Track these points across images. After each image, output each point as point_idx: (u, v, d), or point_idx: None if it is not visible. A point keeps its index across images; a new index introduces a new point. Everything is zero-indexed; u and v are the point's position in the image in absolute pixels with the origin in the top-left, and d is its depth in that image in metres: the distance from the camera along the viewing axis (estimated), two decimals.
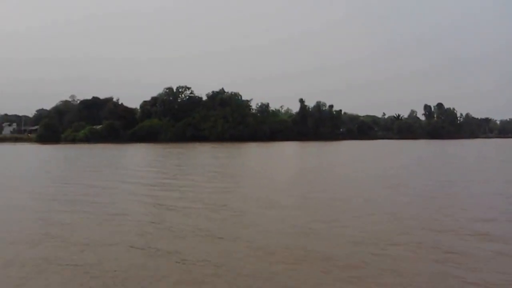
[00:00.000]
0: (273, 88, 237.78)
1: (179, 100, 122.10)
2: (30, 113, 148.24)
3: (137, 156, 48.52)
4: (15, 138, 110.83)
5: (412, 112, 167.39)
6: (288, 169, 29.66)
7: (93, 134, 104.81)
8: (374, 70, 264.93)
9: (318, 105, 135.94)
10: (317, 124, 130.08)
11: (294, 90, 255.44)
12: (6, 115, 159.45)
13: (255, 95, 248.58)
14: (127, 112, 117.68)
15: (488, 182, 20.10)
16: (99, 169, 29.06)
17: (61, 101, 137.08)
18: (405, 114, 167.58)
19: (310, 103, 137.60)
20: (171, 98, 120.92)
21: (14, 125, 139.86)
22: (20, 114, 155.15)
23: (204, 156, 46.19)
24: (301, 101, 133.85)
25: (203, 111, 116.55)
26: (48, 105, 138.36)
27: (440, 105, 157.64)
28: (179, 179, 22.13)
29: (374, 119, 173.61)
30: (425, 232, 9.85)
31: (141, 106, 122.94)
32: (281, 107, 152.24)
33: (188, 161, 39.06)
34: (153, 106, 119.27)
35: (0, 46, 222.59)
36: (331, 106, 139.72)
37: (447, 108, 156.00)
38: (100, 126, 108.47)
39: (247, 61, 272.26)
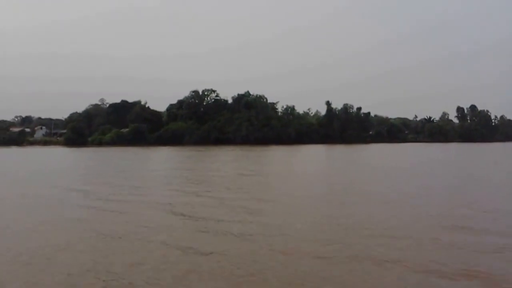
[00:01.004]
0: (288, 84, 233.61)
1: (204, 103, 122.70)
2: (64, 116, 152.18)
3: (152, 160, 48.66)
4: (44, 141, 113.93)
5: (444, 114, 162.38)
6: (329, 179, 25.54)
7: (119, 137, 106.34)
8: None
9: (345, 108, 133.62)
10: (344, 126, 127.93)
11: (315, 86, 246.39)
12: (39, 118, 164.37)
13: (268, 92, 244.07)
14: (154, 115, 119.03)
15: None
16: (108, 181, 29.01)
17: (91, 105, 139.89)
18: (437, 116, 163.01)
19: (339, 104, 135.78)
20: (196, 101, 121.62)
21: (44, 128, 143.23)
22: (54, 117, 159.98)
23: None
24: (328, 103, 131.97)
25: (228, 114, 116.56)
26: (82, 108, 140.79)
27: (473, 107, 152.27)
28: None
29: (404, 122, 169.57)
30: None
31: (167, 109, 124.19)
32: (309, 109, 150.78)
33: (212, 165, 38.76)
34: (179, 109, 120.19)
35: (32, 43, 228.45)
36: (359, 109, 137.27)
37: (481, 110, 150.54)
38: (127, 129, 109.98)
39: (246, 58, 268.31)
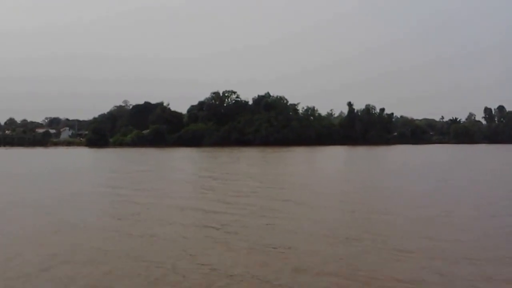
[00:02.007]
0: (308, 84, 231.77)
1: (225, 105, 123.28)
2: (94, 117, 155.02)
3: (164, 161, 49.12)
4: (67, 142, 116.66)
5: (471, 115, 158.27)
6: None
7: (139, 138, 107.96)
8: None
9: (368, 109, 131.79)
10: (366, 128, 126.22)
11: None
12: (67, 119, 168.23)
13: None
14: (174, 116, 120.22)
15: None
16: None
17: (115, 106, 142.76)
18: (463, 117, 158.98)
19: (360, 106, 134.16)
20: (217, 103, 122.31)
21: (69, 129, 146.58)
22: (82, 118, 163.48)
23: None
24: (349, 104, 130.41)
25: (248, 115, 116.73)
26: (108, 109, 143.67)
27: (501, 108, 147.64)
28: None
29: (430, 123, 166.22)
30: None
31: (188, 111, 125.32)
32: (331, 110, 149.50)
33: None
34: (199, 111, 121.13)
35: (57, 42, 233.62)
36: (382, 109, 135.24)
37: (509, 111, 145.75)
38: (147, 130, 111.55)
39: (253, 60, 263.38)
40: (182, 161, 49.97)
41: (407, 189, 21.00)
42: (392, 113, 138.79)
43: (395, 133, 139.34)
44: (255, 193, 19.12)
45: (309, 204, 16.13)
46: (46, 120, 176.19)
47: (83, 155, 67.18)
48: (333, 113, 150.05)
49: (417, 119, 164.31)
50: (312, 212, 14.46)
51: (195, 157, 57.55)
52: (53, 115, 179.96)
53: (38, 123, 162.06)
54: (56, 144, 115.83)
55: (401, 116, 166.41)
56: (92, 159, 55.85)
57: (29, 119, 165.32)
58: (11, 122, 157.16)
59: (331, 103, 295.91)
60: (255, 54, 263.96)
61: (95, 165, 44.08)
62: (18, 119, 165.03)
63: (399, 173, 30.90)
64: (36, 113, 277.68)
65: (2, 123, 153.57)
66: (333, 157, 55.97)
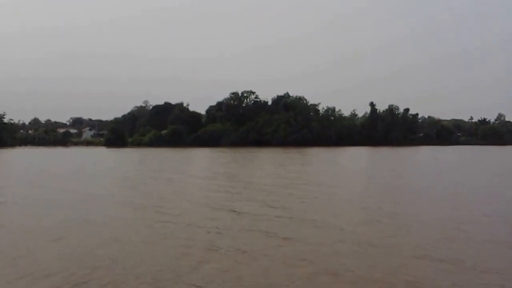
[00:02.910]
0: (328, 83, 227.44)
1: (243, 105, 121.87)
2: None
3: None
4: (86, 142, 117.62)
5: (500, 116, 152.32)
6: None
7: (157, 139, 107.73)
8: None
9: (391, 109, 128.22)
10: (389, 128, 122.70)
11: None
12: (90, 119, 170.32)
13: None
14: (193, 117, 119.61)
15: None
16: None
17: (136, 107, 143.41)
18: (492, 118, 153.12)
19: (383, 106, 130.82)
20: (235, 103, 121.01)
21: (89, 129, 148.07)
22: (104, 119, 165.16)
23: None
24: (372, 104, 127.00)
25: (266, 115, 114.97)
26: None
27: None
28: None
29: (458, 123, 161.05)
30: None
31: (206, 111, 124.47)
32: (353, 110, 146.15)
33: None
34: (217, 111, 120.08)
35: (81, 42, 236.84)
36: (406, 110, 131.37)
37: None
38: (166, 130, 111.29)
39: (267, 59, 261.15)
40: (199, 160, 48.51)
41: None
42: (417, 114, 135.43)
43: (421, 134, 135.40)
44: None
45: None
46: (71, 120, 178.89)
47: (94, 154, 66.64)
48: (356, 114, 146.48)
49: (444, 120, 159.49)
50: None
51: (210, 156, 55.97)
52: (78, 115, 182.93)
53: (61, 123, 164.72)
54: (76, 144, 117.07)
55: (429, 117, 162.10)
56: (97, 159, 54.97)
57: (53, 119, 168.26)
58: (35, 122, 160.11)
59: (353, 103, 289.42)
60: (276, 52, 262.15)
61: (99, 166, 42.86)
62: (43, 118, 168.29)
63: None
64: (62, 113, 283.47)
65: (27, 123, 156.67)
66: (363, 160, 52.84)
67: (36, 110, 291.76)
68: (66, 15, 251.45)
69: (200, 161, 49.26)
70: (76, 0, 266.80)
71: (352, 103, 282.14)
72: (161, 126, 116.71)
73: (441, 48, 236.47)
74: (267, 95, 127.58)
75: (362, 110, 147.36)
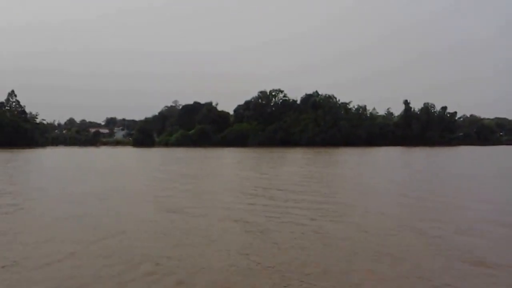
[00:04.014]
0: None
1: (272, 104, 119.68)
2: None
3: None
4: (116, 142, 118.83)
5: None
6: None
7: (184, 138, 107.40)
8: None
9: (426, 107, 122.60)
10: (424, 127, 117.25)
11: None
12: (123, 119, 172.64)
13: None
14: (220, 116, 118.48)
15: None
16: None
17: (166, 106, 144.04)
18: None
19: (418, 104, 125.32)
20: (263, 102, 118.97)
21: (120, 129, 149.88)
22: (137, 118, 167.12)
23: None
24: (406, 102, 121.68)
25: (294, 114, 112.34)
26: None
27: None
28: None
29: (501, 122, 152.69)
30: None
31: (234, 110, 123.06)
32: (388, 109, 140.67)
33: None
34: (245, 110, 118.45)
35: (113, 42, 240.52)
36: (443, 108, 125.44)
37: None
38: (193, 130, 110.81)
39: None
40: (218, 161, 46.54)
41: None
42: (455, 112, 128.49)
43: (460, 134, 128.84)
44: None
45: None
46: (105, 120, 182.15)
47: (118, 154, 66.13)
48: (392, 112, 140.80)
49: (487, 118, 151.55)
50: None
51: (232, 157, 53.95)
52: (113, 115, 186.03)
53: (96, 123, 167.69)
54: (105, 143, 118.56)
55: (471, 115, 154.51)
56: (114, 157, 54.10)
57: (88, 119, 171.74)
58: (70, 122, 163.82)
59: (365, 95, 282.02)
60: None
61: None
62: (79, 118, 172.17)
63: None
64: (97, 113, 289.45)
65: (62, 123, 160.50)
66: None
67: (71, 109, 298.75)
68: (98, 10, 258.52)
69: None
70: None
71: (364, 96, 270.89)
72: (189, 126, 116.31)
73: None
74: (296, 95, 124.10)
75: (397, 110, 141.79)
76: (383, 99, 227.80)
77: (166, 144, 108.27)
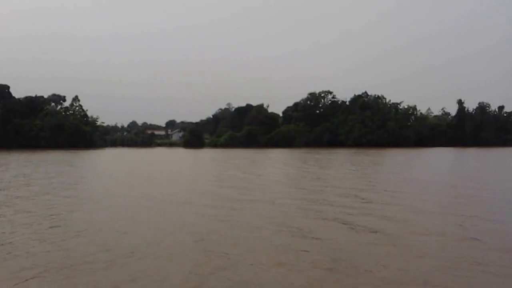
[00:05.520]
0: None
1: (320, 105, 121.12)
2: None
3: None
4: (169, 144, 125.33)
5: None
6: None
7: (232, 139, 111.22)
8: None
9: (481, 107, 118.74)
10: (478, 128, 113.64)
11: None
12: (182, 122, 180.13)
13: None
14: (269, 118, 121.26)
15: None
16: None
17: (220, 109, 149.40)
18: None
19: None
20: (312, 103, 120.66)
21: (177, 131, 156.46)
22: (194, 121, 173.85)
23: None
24: (459, 102, 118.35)
25: (342, 115, 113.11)
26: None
27: None
28: None
29: None
30: None
31: (283, 112, 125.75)
32: (442, 109, 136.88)
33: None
34: (293, 112, 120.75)
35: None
36: (501, 107, 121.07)
37: None
38: (241, 132, 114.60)
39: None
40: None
41: None
42: None
43: None
44: None
45: None
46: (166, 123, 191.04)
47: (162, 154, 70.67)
48: (448, 112, 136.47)
49: None
50: None
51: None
52: (173, 118, 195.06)
53: (156, 125, 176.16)
54: (159, 145, 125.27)
55: None
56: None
57: (149, 122, 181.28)
58: (132, 125, 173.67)
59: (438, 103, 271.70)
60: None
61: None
62: (140, 121, 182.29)
63: None
64: (159, 116, 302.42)
65: (126, 126, 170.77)
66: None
67: (135, 114, 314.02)
68: (153, 21, 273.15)
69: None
70: (165, 7, 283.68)
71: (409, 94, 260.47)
72: (240, 128, 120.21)
73: None
74: (345, 96, 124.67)
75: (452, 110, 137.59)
76: (438, 98, 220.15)
77: (215, 145, 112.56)
